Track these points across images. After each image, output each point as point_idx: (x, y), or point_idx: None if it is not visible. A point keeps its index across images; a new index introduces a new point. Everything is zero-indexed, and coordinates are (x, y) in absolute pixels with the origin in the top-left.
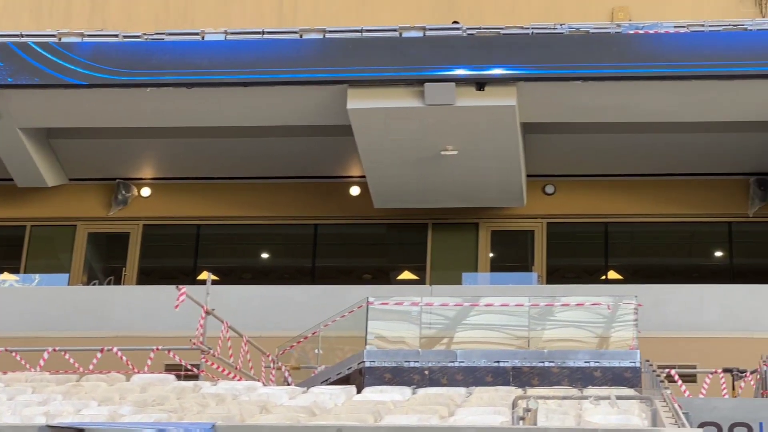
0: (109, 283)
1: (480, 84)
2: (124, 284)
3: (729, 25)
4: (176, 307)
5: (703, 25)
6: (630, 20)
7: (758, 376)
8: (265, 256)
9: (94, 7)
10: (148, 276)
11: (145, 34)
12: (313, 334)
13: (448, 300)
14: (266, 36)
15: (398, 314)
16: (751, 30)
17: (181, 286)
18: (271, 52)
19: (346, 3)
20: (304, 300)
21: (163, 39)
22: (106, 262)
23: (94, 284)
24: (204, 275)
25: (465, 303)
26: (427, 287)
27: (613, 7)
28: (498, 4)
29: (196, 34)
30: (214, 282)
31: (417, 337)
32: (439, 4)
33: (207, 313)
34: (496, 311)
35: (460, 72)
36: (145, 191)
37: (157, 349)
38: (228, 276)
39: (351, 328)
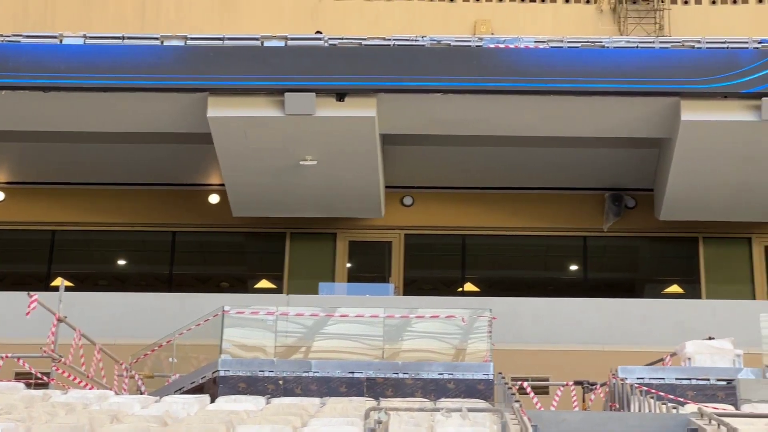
0: None
1: (340, 95)
2: None
3: (588, 42)
4: (27, 314)
5: (562, 41)
6: (492, 34)
7: (607, 389)
8: (122, 262)
9: None
10: (0, 282)
11: (1, 35)
12: (168, 342)
13: (304, 310)
14: (126, 41)
15: (254, 323)
16: (608, 47)
17: (32, 293)
18: (132, 58)
19: (209, 10)
20: (160, 308)
21: (20, 41)
22: None
23: None
24: (58, 281)
25: (321, 313)
26: (284, 296)
27: (476, 20)
28: (362, 15)
29: (55, 37)
30: (69, 288)
31: (273, 346)
32: (301, 14)
33: (59, 320)
34: (352, 321)
35: (321, 82)
36: None
37: (7, 356)
38: (84, 282)
39: (207, 337)
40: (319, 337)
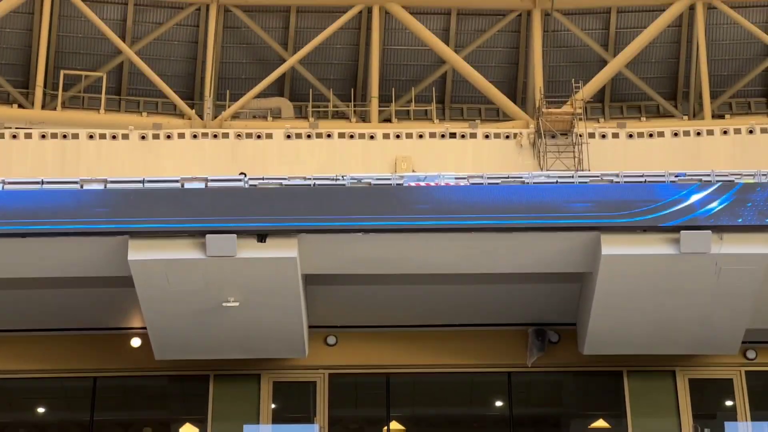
0: None
1: (261, 236)
2: None
3: (508, 178)
4: None
5: (482, 177)
6: (413, 170)
7: None
8: (41, 410)
9: None
10: None
11: None
12: None
13: None
14: (46, 186)
15: None
16: (528, 183)
17: None
18: (51, 203)
19: (129, 152)
20: None
21: None
22: None
23: None
24: None
25: None
26: None
27: (396, 156)
28: (282, 154)
29: None
30: None
31: None
32: (222, 154)
33: None
34: None
35: (242, 223)
36: None
37: None
38: None
39: None
40: None
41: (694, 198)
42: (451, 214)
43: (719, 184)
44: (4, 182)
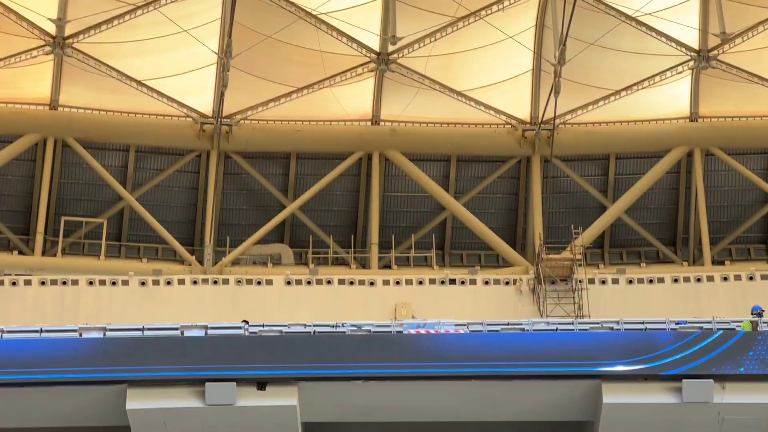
0: None
1: (261, 384)
2: None
3: (507, 326)
4: None
5: (482, 324)
6: (413, 317)
7: None
8: None
9: None
10: None
11: None
12: None
13: None
14: (44, 335)
15: None
16: (527, 331)
17: None
18: (49, 352)
19: (129, 298)
20: None
21: None
22: None
23: None
24: None
25: None
26: None
27: (396, 302)
28: (282, 300)
29: None
30: None
31: None
32: (222, 300)
33: None
34: None
35: (242, 371)
36: None
37: None
38: None
39: None
40: None
41: (696, 346)
42: (451, 362)
43: (720, 332)
44: (2, 331)
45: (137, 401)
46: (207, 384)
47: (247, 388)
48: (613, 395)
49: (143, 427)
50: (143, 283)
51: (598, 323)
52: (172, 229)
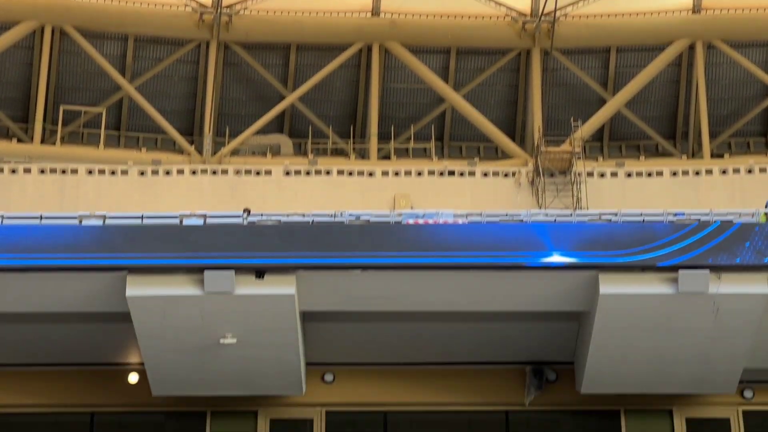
0: None
1: (259, 272)
2: None
3: (506, 216)
4: None
5: (481, 215)
6: (411, 207)
7: None
8: None
9: None
10: None
11: None
12: None
13: None
14: (45, 221)
15: None
16: (526, 222)
17: None
18: (50, 238)
19: (128, 189)
20: None
21: None
22: None
23: None
24: None
25: None
26: None
27: (395, 194)
28: (281, 191)
29: None
30: None
31: None
32: (221, 191)
33: None
34: None
35: (240, 260)
36: None
37: None
38: None
39: None
40: None
41: (693, 238)
42: (449, 252)
43: (718, 223)
44: (3, 217)
45: (137, 288)
46: (206, 272)
47: (245, 276)
48: (610, 286)
49: (142, 313)
50: (142, 173)
51: (596, 215)
52: (172, 119)
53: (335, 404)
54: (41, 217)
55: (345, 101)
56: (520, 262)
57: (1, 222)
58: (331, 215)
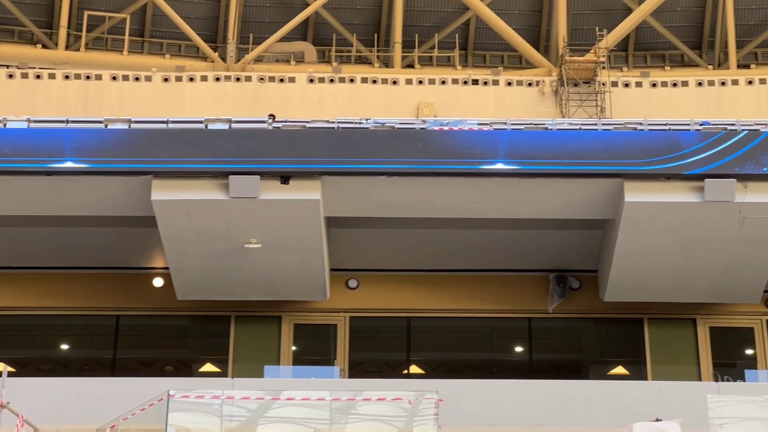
0: None
1: (284, 177)
2: None
3: (531, 124)
4: None
5: (505, 123)
6: (435, 116)
7: None
8: (64, 347)
9: None
10: None
11: None
12: (113, 427)
13: (250, 393)
14: (70, 125)
15: (199, 407)
16: (551, 129)
17: None
18: (75, 142)
19: (153, 94)
20: (103, 392)
21: None
22: None
23: None
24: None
25: (267, 396)
26: (229, 380)
27: (419, 102)
28: (304, 97)
29: None
30: (10, 374)
31: (218, 430)
32: (245, 97)
33: (2, 406)
34: (298, 405)
35: (265, 165)
36: None
37: None
38: (26, 367)
39: (152, 421)
40: (263, 421)
41: (719, 146)
42: (474, 159)
43: (745, 132)
44: (29, 120)
45: (162, 192)
46: (231, 177)
47: (270, 181)
48: (635, 194)
49: (168, 217)
50: (166, 79)
51: (621, 123)
52: (195, 25)
53: (359, 310)
54: (67, 121)
55: (369, 9)
56: (545, 170)
57: (28, 126)
58: (357, 121)
